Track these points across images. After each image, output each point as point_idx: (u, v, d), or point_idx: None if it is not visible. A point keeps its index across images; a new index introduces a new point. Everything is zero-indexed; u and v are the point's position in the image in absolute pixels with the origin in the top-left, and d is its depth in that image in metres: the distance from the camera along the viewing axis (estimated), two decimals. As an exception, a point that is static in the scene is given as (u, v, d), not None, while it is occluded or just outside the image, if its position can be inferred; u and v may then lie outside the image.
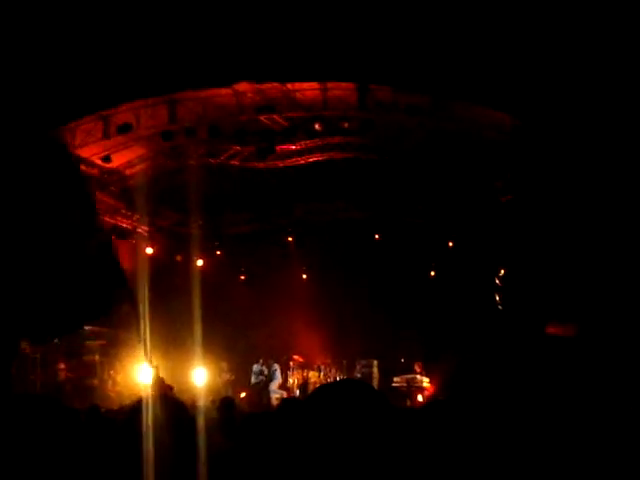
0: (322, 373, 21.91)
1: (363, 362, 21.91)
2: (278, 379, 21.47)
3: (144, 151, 18.44)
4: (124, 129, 16.93)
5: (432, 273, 21.88)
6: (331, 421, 2.41)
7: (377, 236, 21.94)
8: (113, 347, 19.47)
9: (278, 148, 18.02)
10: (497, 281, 18.98)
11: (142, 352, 16.41)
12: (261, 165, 18.53)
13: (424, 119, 16.52)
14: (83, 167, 17.73)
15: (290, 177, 18.77)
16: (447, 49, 14.61)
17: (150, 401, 3.13)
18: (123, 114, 16.80)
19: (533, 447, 3.59)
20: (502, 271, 18.93)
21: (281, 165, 18.55)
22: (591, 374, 14.76)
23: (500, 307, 18.86)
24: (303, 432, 2.45)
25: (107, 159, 17.78)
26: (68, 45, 14.16)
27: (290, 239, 22.56)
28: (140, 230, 19.99)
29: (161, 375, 17.70)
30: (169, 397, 3.48)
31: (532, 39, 14.23)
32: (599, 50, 14.01)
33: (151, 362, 15.49)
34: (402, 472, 2.53)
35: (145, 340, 14.60)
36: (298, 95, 16.82)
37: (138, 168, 18.70)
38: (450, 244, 20.84)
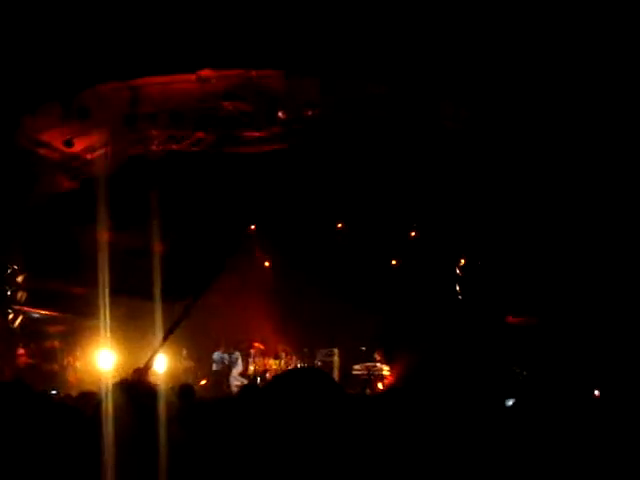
0: (283, 361, 21.95)
1: (324, 351, 21.98)
2: (239, 367, 21.50)
3: (106, 136, 18.27)
4: (84, 114, 16.79)
5: (393, 262, 21.95)
6: (287, 409, 2.43)
7: (340, 225, 21.99)
8: (73, 333, 19.37)
9: (241, 135, 17.96)
10: (457, 271, 19.15)
11: (102, 338, 16.35)
12: (224, 151, 18.45)
13: (385, 108, 16.57)
14: (44, 151, 17.60)
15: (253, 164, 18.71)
16: (408, 41, 14.66)
17: (111, 388, 3.14)
18: (84, 99, 16.64)
19: (489, 436, 3.63)
20: (462, 261, 19.10)
21: (244, 152, 18.49)
22: (549, 363, 14.94)
23: (460, 297, 19.03)
24: (260, 420, 2.47)
25: (69, 143, 17.61)
26: (28, 30, 14.01)
27: (252, 227, 22.50)
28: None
29: (121, 361, 17.69)
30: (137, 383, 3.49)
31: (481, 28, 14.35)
32: (551, 40, 14.15)
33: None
34: (359, 459, 2.56)
35: (106, 326, 14.51)
36: (262, 82, 16.77)
37: (100, 153, 18.54)
38: (412, 234, 20.94)
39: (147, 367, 15.69)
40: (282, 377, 2.66)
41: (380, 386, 19.97)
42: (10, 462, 2.84)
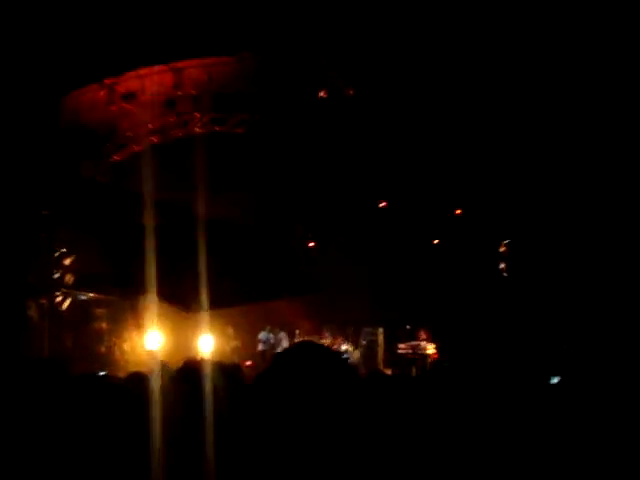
0: (328, 340, 22.01)
1: (369, 329, 21.98)
2: (284, 346, 21.61)
3: (149, 118, 18.41)
4: (128, 97, 16.94)
5: (436, 241, 21.84)
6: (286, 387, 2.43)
7: (383, 203, 21.92)
8: (120, 315, 19.60)
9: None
10: (502, 249, 19.04)
11: (149, 320, 16.53)
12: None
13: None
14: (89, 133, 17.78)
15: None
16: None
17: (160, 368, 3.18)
18: (127, 82, 16.79)
19: (533, 414, 3.61)
20: (507, 240, 18.98)
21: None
22: (595, 340, 14.83)
23: (505, 275, 18.93)
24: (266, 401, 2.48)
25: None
26: (72, 15, 14.13)
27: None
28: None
29: (169, 341, 17.88)
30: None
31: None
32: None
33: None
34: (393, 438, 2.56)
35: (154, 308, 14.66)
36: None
37: (143, 136, 18.69)
38: (457, 212, 20.83)
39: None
40: (283, 355, 2.66)
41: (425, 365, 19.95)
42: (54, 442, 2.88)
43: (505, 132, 16.51)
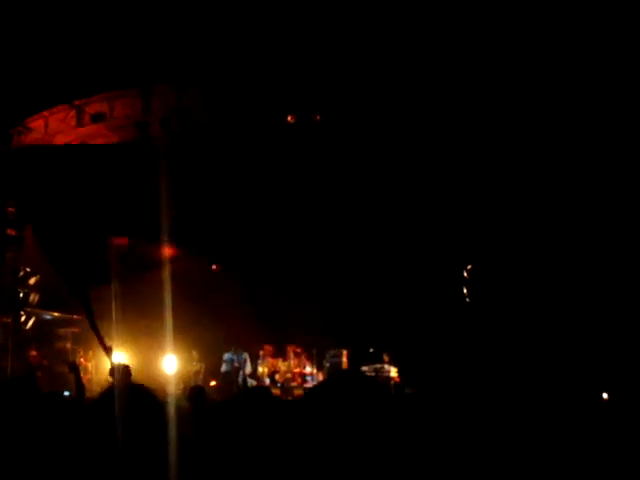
0: (292, 362, 22.07)
1: (332, 352, 22.06)
2: (248, 368, 21.63)
3: (117, 140, 18.49)
4: (98, 118, 17.03)
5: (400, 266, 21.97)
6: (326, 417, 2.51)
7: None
8: (84, 335, 19.53)
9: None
10: (465, 274, 19.24)
11: (114, 340, 16.51)
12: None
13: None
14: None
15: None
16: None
17: (118, 389, 3.26)
18: (97, 103, 16.88)
19: (499, 440, 3.75)
20: (470, 265, 19.18)
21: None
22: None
23: (468, 300, 19.12)
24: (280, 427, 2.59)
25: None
26: (43, 34, 14.22)
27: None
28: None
29: (133, 362, 17.84)
30: (138, 386, 3.60)
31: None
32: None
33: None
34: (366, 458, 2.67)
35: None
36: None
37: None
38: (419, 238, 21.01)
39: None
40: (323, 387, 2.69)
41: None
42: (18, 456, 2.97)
43: (466, 158, 16.78)
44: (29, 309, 17.98)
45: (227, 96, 17.04)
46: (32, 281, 18.01)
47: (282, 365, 22.02)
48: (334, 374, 2.76)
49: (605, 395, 12.72)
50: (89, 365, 19.47)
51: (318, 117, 17.14)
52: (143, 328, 18.83)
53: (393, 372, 20.74)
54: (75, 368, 9.90)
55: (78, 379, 9.97)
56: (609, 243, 15.93)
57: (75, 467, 2.98)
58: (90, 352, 19.48)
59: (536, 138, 15.91)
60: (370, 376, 2.74)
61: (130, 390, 3.32)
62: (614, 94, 14.62)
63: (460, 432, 3.66)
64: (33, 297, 17.97)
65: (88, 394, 12.87)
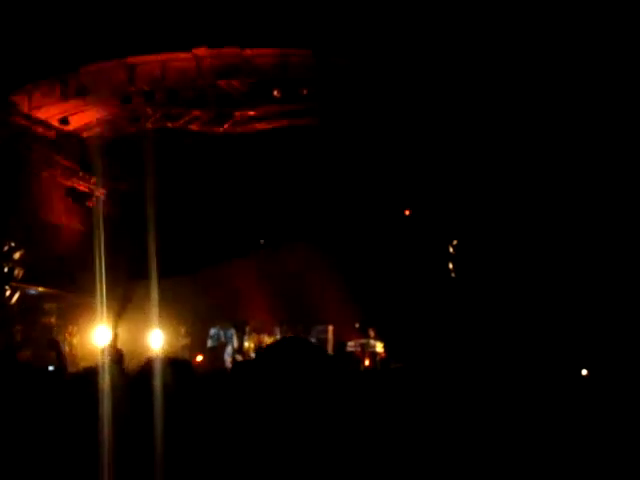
0: (278, 337, 22.08)
1: (319, 327, 22.10)
2: (234, 343, 21.64)
3: (102, 114, 18.34)
4: (82, 92, 16.88)
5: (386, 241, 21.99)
6: (277, 380, 2.53)
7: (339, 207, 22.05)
8: (70, 310, 19.47)
9: (237, 114, 18.06)
10: (451, 250, 19.27)
11: (99, 315, 16.47)
12: (220, 130, 18.54)
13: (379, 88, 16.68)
14: (40, 129, 17.68)
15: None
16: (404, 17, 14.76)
17: (107, 364, 3.25)
18: (82, 77, 16.72)
19: (481, 418, 3.74)
20: (456, 240, 19.21)
21: (239, 131, 18.58)
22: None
23: (453, 275, 19.16)
24: (253, 393, 2.58)
25: (65, 121, 17.72)
26: (25, 7, 14.06)
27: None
28: (97, 194, 19.94)
29: (117, 338, 17.85)
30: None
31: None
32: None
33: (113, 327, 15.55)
34: (351, 429, 2.66)
35: (103, 304, 14.63)
36: (257, 60, 16.83)
37: (96, 131, 18.62)
38: (406, 212, 21.03)
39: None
40: (271, 348, 2.74)
41: (372, 362, 20.12)
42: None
43: (453, 133, 16.76)
44: (14, 284, 17.89)
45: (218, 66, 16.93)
46: (17, 256, 17.90)
47: (268, 340, 22.03)
48: (280, 340, 2.82)
49: (584, 372, 12.79)
50: (74, 340, 19.42)
51: (305, 91, 17.05)
52: (130, 303, 18.82)
53: (379, 347, 20.80)
54: (54, 345, 9.89)
55: (59, 354, 9.96)
56: (593, 221, 15.98)
57: (54, 436, 2.97)
58: (75, 327, 19.43)
59: (523, 120, 15.93)
60: (314, 343, 2.75)
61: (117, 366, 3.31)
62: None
63: (444, 406, 3.65)
64: (18, 272, 17.87)
65: (72, 368, 12.87)
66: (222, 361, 20.96)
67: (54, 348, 10.09)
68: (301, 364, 2.54)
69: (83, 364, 12.29)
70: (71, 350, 19.27)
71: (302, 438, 2.46)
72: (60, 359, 9.96)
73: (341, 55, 16.19)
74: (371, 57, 15.83)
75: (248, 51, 16.39)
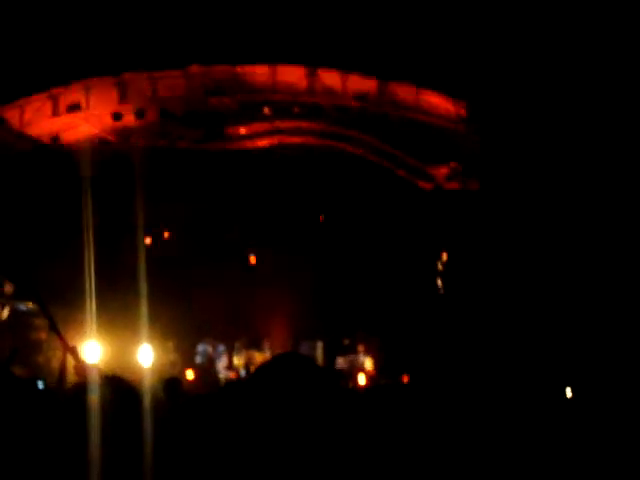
0: (267, 353, 22.03)
1: (308, 343, 22.04)
2: (223, 359, 21.56)
3: (93, 131, 18.39)
4: (73, 108, 16.94)
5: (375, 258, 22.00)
6: (272, 399, 2.55)
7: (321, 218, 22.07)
8: (60, 325, 19.40)
9: (227, 131, 18.12)
10: (439, 266, 19.31)
11: (88, 331, 16.45)
12: (210, 148, 18.59)
13: (370, 105, 16.76)
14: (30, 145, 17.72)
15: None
16: (395, 33, 14.86)
17: (90, 384, 3.25)
18: (73, 93, 16.78)
19: (476, 434, 3.79)
20: (444, 256, 19.26)
21: (229, 148, 18.64)
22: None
23: (441, 290, 19.20)
24: (245, 413, 2.60)
25: (56, 139, 17.79)
26: (19, 23, 14.12)
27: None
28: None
29: (108, 353, 17.81)
30: (114, 377, 3.60)
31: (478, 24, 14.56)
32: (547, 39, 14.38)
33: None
34: (346, 449, 2.69)
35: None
36: (248, 78, 16.93)
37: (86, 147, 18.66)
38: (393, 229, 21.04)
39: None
40: (266, 366, 2.75)
41: (362, 380, 20.09)
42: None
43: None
44: (4, 300, 17.89)
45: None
46: (6, 272, 17.94)
47: (258, 356, 21.97)
48: (276, 356, 2.80)
49: (569, 392, 12.82)
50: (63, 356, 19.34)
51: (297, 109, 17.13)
52: (119, 319, 18.77)
53: (368, 363, 20.78)
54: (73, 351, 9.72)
55: (63, 367, 9.90)
56: (579, 240, 16.06)
57: (48, 455, 2.98)
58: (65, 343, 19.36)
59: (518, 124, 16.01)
60: (310, 359, 2.77)
61: (106, 382, 3.32)
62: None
63: (432, 422, 3.69)
64: (7, 288, 17.89)
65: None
66: (214, 377, 20.87)
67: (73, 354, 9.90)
68: (303, 383, 2.58)
69: (73, 380, 12.27)
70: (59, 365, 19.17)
71: (302, 456, 2.50)
72: (61, 371, 9.91)
73: (332, 72, 16.30)
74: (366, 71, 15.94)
75: (239, 68, 16.49)
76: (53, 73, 15.63)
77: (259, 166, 18.60)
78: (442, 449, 3.47)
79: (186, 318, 21.34)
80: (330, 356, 21.55)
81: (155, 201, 18.84)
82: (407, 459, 3.29)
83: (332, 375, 2.67)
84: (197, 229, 21.15)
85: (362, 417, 3.29)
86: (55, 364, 19.14)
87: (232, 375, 20.33)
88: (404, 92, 17.01)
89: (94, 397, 3.13)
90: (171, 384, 9.04)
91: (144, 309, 15.18)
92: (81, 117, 17.29)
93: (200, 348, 21.70)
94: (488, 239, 17.52)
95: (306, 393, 2.54)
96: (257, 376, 2.74)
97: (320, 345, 21.88)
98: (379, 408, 3.56)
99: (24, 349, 18.46)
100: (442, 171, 18.04)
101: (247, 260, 23.38)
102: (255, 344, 22.33)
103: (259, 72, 16.78)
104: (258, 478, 2.54)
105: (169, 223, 21.43)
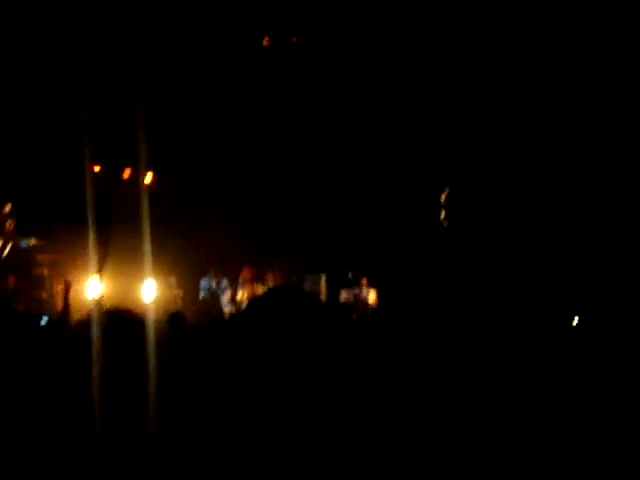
0: (271, 287, 22.07)
1: (312, 277, 22.07)
2: (227, 293, 21.61)
3: None
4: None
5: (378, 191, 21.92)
6: (270, 330, 2.50)
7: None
8: (62, 262, 19.45)
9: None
10: (442, 198, 19.24)
11: (91, 267, 16.47)
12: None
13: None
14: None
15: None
16: None
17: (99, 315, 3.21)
18: None
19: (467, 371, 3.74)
20: (447, 188, 19.18)
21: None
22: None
23: (445, 224, 19.16)
24: (244, 345, 2.56)
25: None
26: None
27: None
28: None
29: (111, 289, 17.86)
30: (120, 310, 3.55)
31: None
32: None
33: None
34: (346, 380, 2.65)
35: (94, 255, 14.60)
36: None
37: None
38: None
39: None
40: (260, 299, 2.71)
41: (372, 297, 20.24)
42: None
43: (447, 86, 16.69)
44: (5, 236, 17.89)
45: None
46: (7, 208, 17.89)
47: (261, 290, 21.98)
48: (272, 289, 2.79)
49: (576, 320, 12.81)
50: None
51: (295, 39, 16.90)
52: (122, 254, 18.78)
53: (371, 296, 20.83)
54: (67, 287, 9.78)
55: (66, 300, 9.95)
56: (589, 175, 16.01)
57: (52, 390, 2.96)
58: (68, 278, 19.42)
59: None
60: (309, 292, 2.71)
61: (112, 315, 3.29)
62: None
63: (434, 356, 3.65)
64: (9, 224, 17.87)
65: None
66: (217, 312, 20.94)
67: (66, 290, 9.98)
68: (295, 313, 2.52)
69: (76, 316, 12.29)
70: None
71: (299, 394, 2.45)
72: (65, 305, 9.98)
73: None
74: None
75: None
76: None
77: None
78: (444, 382, 3.43)
79: (189, 253, 21.38)
80: (333, 289, 21.59)
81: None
82: (410, 393, 3.26)
83: (329, 307, 2.63)
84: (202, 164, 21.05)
85: (363, 347, 3.25)
86: (59, 300, 19.28)
87: (233, 310, 20.41)
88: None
89: (98, 332, 3.10)
90: (175, 318, 9.07)
91: (147, 244, 15.16)
92: None
93: (203, 283, 21.74)
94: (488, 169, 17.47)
95: (299, 324, 2.51)
96: (250, 309, 2.70)
97: (324, 278, 21.92)
98: (379, 339, 3.53)
99: (27, 285, 18.56)
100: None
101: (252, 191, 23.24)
102: (259, 278, 22.36)
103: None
104: (259, 412, 2.51)
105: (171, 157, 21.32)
